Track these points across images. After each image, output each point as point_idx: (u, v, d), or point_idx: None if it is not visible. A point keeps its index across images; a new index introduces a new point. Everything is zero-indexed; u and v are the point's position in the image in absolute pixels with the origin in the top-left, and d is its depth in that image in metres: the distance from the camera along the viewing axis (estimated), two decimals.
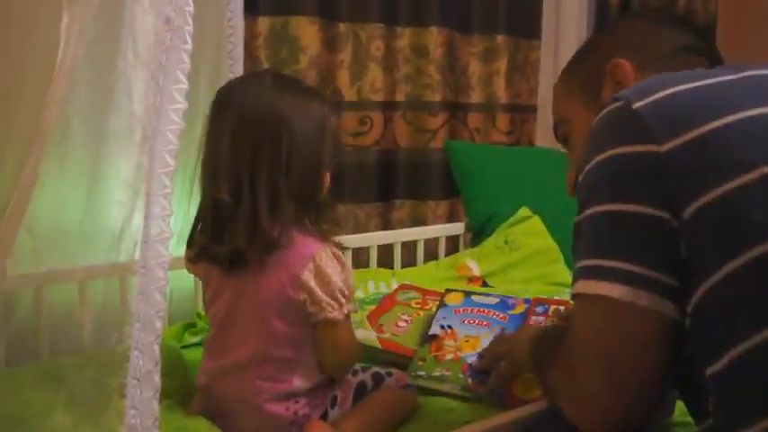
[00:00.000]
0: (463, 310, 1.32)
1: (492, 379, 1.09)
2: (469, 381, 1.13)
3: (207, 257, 0.96)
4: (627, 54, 0.84)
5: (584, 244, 0.68)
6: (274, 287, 0.93)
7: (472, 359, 1.17)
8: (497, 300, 1.36)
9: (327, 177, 0.99)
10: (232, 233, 0.91)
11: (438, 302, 1.36)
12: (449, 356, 1.19)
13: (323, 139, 0.96)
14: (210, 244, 0.94)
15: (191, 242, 0.99)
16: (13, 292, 1.18)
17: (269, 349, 0.94)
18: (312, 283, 0.92)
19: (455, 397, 1.12)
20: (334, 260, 0.94)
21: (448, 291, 1.40)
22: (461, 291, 1.41)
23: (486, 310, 1.31)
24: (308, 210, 0.96)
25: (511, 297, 1.38)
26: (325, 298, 0.92)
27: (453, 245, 1.97)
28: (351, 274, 0.97)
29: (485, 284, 1.71)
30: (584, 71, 0.89)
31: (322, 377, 0.98)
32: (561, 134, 0.92)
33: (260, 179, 0.91)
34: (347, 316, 0.95)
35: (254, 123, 0.92)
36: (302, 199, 0.94)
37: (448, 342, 1.23)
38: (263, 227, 0.90)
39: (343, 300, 0.93)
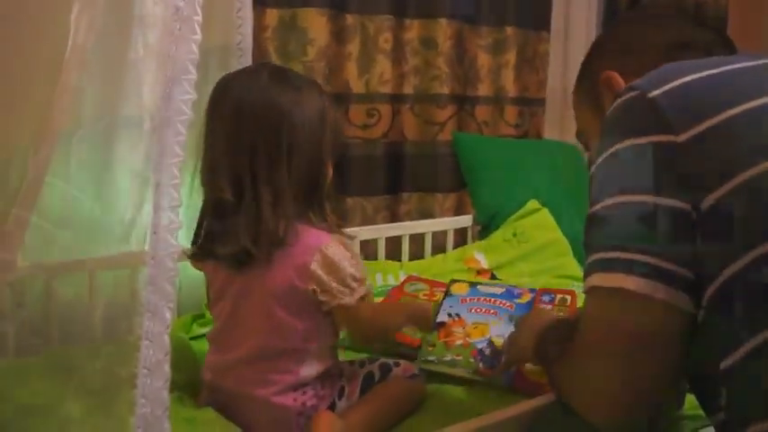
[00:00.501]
0: (470, 300, 1.33)
1: (502, 363, 1.10)
2: (480, 365, 1.14)
3: (213, 257, 0.96)
4: (615, 64, 0.84)
5: (598, 236, 0.68)
6: (280, 280, 0.93)
7: (482, 345, 1.18)
8: (503, 289, 1.37)
9: (330, 169, 0.99)
10: (237, 233, 0.90)
11: (443, 292, 1.37)
12: (458, 342, 1.20)
13: (323, 131, 0.96)
14: (215, 245, 0.93)
15: (195, 241, 0.99)
16: (23, 282, 1.19)
17: (275, 342, 0.94)
18: (321, 273, 0.91)
19: (466, 381, 1.13)
20: (342, 247, 0.94)
21: (453, 281, 1.41)
22: (466, 281, 1.42)
23: (493, 300, 1.32)
24: (312, 203, 0.96)
25: (516, 287, 1.39)
26: (335, 285, 0.92)
27: (461, 237, 1.97)
28: (360, 259, 0.97)
29: (493, 277, 1.71)
30: (585, 83, 0.91)
31: (330, 364, 0.99)
32: (584, 143, 0.94)
33: (261, 176, 0.90)
34: (361, 299, 0.95)
35: (253, 119, 0.91)
36: (305, 193, 0.94)
37: (456, 329, 1.24)
38: (267, 224, 0.90)
39: (354, 284, 0.93)
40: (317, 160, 0.95)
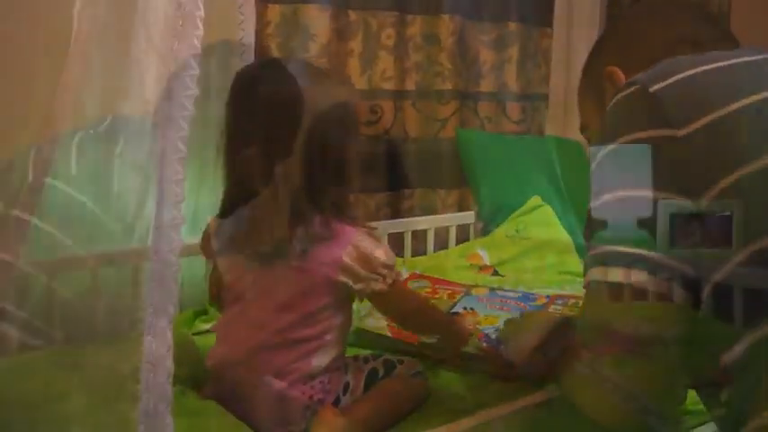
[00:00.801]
0: (487, 300, 1.40)
1: (502, 348, 1.12)
2: (483, 344, 1.19)
3: (244, 252, 0.96)
4: (618, 59, 0.85)
5: (599, 231, 0.68)
6: (312, 273, 0.94)
7: (489, 331, 1.23)
8: (519, 294, 1.44)
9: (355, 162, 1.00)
10: (270, 227, 0.91)
11: (463, 292, 1.44)
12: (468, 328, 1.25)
13: (349, 123, 0.97)
14: (249, 240, 0.94)
15: (210, 237, 0.99)
16: (25, 278, 1.19)
17: (295, 334, 0.95)
18: (354, 265, 0.94)
19: (467, 356, 1.16)
20: (371, 238, 0.96)
21: (474, 286, 1.49)
22: (487, 287, 1.48)
23: (509, 300, 1.39)
24: (341, 196, 0.97)
25: (533, 293, 1.45)
26: (368, 274, 0.95)
27: (464, 234, 1.96)
28: (388, 247, 1.00)
29: (495, 273, 1.71)
30: (589, 79, 0.92)
31: (337, 355, 1.00)
32: (588, 138, 0.95)
33: (294, 171, 0.90)
34: (393, 285, 0.98)
35: (283, 112, 0.91)
36: (333, 186, 0.95)
37: (468, 319, 1.30)
38: (304, 219, 0.91)
39: (385, 271, 0.96)
40: (345, 153, 0.96)
